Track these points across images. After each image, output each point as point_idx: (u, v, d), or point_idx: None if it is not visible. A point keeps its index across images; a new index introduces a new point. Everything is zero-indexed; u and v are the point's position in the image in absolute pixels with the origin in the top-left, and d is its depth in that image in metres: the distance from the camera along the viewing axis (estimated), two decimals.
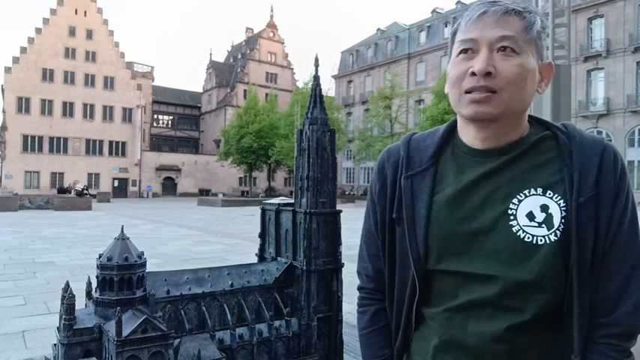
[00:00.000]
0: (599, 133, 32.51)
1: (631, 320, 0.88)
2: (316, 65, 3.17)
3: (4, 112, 42.09)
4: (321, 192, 2.92)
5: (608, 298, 0.89)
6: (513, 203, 0.91)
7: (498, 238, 0.90)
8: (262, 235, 3.33)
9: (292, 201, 3.11)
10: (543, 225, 0.88)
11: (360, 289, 1.17)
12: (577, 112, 30.71)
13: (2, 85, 42.34)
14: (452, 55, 0.99)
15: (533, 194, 0.90)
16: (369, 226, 1.13)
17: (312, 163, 2.91)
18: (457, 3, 43.26)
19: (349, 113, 50.41)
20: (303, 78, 75.24)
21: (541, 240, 0.87)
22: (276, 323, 2.79)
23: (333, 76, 53.28)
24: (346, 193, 44.21)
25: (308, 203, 2.88)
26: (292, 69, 59.77)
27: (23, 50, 42.66)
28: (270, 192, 44.01)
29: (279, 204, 3.19)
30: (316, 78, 3.09)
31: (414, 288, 1.00)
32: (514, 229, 0.89)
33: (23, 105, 42.52)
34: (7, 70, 42.03)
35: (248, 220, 18.54)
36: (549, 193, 0.90)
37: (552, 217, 0.88)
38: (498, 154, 0.96)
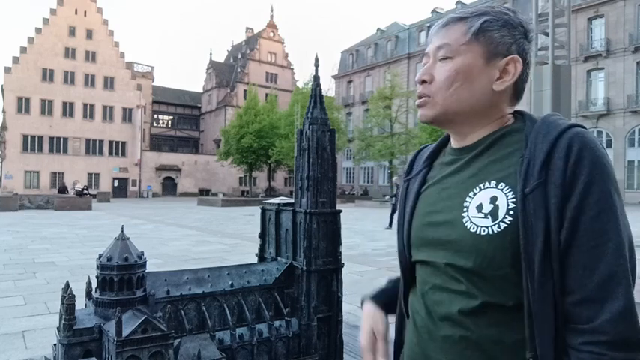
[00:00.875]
0: (599, 133, 32.50)
1: (618, 327, 0.78)
2: (316, 65, 3.17)
3: (4, 112, 42.10)
4: (321, 192, 2.92)
5: (585, 301, 0.80)
6: (469, 197, 0.95)
7: (451, 230, 0.95)
8: (262, 235, 3.33)
9: (292, 201, 3.11)
10: (489, 216, 0.89)
11: None
12: (577, 112, 30.71)
13: (2, 85, 42.35)
14: None
15: (487, 187, 0.92)
16: None
17: (312, 163, 2.91)
18: (457, 3, 43.26)
19: (349, 113, 50.42)
20: (303, 78, 75.26)
21: (484, 230, 0.88)
22: (276, 323, 2.79)
23: (333, 76, 53.30)
24: (346, 193, 44.22)
25: (308, 203, 2.88)
26: (292, 69, 59.81)
27: (23, 50, 42.68)
28: (270, 192, 44.02)
29: (279, 204, 3.19)
30: (316, 78, 3.09)
31: (402, 279, 1.12)
32: (464, 221, 0.93)
33: (23, 105, 42.55)
34: (7, 70, 42.05)
35: (248, 220, 18.54)
36: (501, 185, 0.90)
37: (498, 208, 0.88)
38: (467, 150, 1.03)
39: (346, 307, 3.67)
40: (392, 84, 36.95)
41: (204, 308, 2.63)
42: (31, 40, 43.04)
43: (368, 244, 11.35)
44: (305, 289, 2.84)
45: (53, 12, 44.13)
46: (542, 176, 0.84)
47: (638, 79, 30.81)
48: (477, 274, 0.89)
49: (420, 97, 1.03)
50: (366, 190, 46.44)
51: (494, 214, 0.88)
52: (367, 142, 36.75)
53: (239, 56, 59.04)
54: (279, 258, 3.10)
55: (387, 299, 1.20)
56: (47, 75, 43.44)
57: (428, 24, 44.07)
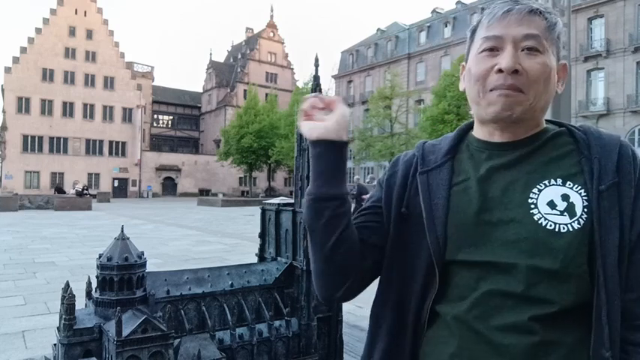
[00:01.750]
0: None
1: None
2: (316, 65, 3.17)
3: (4, 112, 42.10)
4: None
5: None
6: (533, 193, 0.90)
7: (520, 227, 0.87)
8: (262, 235, 3.33)
9: (292, 201, 3.11)
10: (565, 213, 0.86)
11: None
12: (577, 112, 30.71)
13: (2, 85, 42.35)
14: (472, 52, 0.99)
15: (553, 184, 0.90)
16: (372, 200, 1.10)
17: None
18: (457, 3, 43.27)
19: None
20: (303, 78, 75.16)
21: (564, 228, 0.85)
22: (276, 323, 2.79)
23: (333, 76, 53.27)
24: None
25: None
26: (292, 69, 59.81)
27: (23, 50, 42.68)
28: (270, 192, 44.01)
29: (279, 204, 3.19)
30: (316, 78, 3.09)
31: (431, 282, 0.95)
32: (535, 217, 0.87)
33: (23, 105, 42.55)
34: (7, 70, 42.06)
35: (248, 220, 18.54)
36: (569, 184, 0.89)
37: (574, 205, 0.87)
38: (515, 147, 0.96)
39: (346, 307, 3.67)
40: (392, 84, 36.93)
41: (204, 308, 2.63)
42: (31, 40, 43.03)
43: None
44: (305, 289, 2.84)
45: (53, 12, 44.12)
46: (616, 176, 0.87)
47: (638, 79, 30.81)
48: (559, 274, 0.84)
49: (509, 88, 0.90)
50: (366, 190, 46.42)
51: (570, 210, 0.86)
52: (367, 142, 36.72)
53: (239, 56, 59.03)
54: (279, 258, 3.10)
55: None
56: (47, 75, 43.43)
57: (428, 24, 44.05)
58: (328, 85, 50.32)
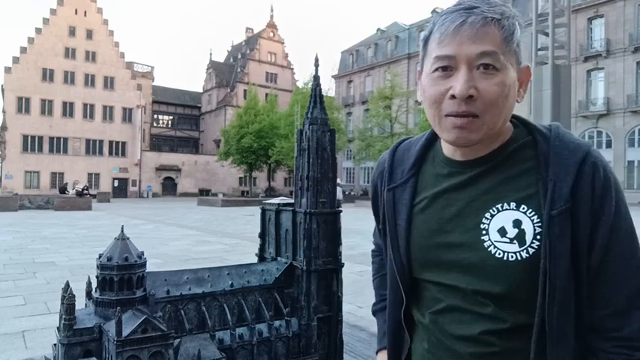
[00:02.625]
0: (599, 133, 32.50)
1: None
2: (316, 65, 3.17)
3: (4, 112, 42.09)
4: (321, 192, 2.92)
5: (616, 313, 0.85)
6: (486, 218, 0.90)
7: (471, 253, 0.90)
8: (262, 235, 3.33)
9: (292, 201, 3.11)
10: (515, 241, 0.86)
11: (373, 243, 1.36)
12: (577, 112, 30.71)
13: (2, 85, 42.34)
14: (425, 66, 0.93)
15: (506, 209, 0.88)
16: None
17: (312, 163, 2.90)
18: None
19: (349, 113, 50.40)
20: (303, 78, 75.23)
21: (512, 257, 0.86)
22: (276, 323, 2.79)
23: (333, 76, 53.29)
24: (346, 193, 44.18)
25: (308, 203, 2.88)
26: (292, 69, 59.78)
27: (23, 50, 42.66)
28: (270, 192, 44.00)
29: (279, 204, 3.18)
30: (316, 78, 3.09)
31: (400, 294, 1.05)
32: (485, 244, 0.88)
33: (23, 105, 42.53)
34: (7, 70, 42.04)
35: (248, 220, 18.53)
36: (523, 208, 0.87)
37: (525, 233, 0.86)
38: (475, 164, 0.94)
39: (346, 307, 3.67)
40: (392, 84, 36.94)
41: (204, 308, 2.63)
42: (31, 40, 43.01)
43: (368, 244, 11.29)
44: (305, 289, 2.84)
45: (53, 12, 44.11)
46: (569, 201, 0.83)
47: (638, 79, 30.81)
48: (506, 298, 0.87)
49: (464, 115, 0.85)
50: (366, 190, 46.42)
51: (520, 239, 0.86)
52: (367, 142, 36.74)
53: (239, 56, 59.01)
54: (279, 258, 3.10)
55: None
56: (47, 75, 43.41)
57: (428, 24, 44.04)
58: (328, 85, 50.35)
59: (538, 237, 0.85)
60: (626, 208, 0.86)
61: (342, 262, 3.01)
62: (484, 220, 0.90)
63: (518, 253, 0.85)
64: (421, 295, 1.02)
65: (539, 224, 0.85)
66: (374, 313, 1.27)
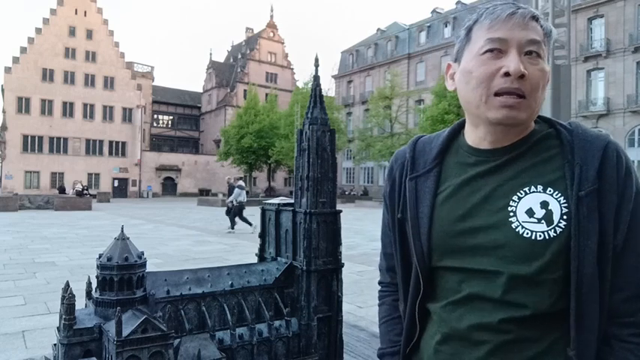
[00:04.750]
0: None
1: None
2: (316, 65, 3.17)
3: (4, 112, 42.09)
4: (321, 192, 2.92)
5: (633, 297, 0.88)
6: (513, 200, 0.92)
7: (498, 235, 0.91)
8: (262, 235, 3.32)
9: (292, 201, 3.11)
10: (543, 221, 0.89)
11: (379, 283, 1.26)
12: (577, 112, 30.70)
13: (2, 85, 42.34)
14: (470, 51, 0.97)
15: (534, 191, 0.91)
16: (383, 226, 1.19)
17: (312, 163, 2.90)
18: (457, 3, 43.26)
19: (349, 113, 50.40)
20: (303, 78, 75.26)
21: (540, 236, 0.88)
22: (276, 323, 2.79)
23: (333, 76, 53.27)
24: (346, 193, 44.18)
25: (308, 203, 2.88)
26: (292, 69, 59.79)
27: (23, 50, 42.66)
28: (270, 192, 44.00)
29: (279, 204, 3.18)
30: (316, 78, 3.09)
31: (417, 284, 1.04)
32: (513, 226, 0.90)
33: (23, 105, 42.53)
34: (7, 70, 42.04)
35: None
36: (550, 190, 0.91)
37: (552, 213, 0.89)
38: (501, 152, 0.98)
39: (346, 307, 3.67)
40: (392, 84, 36.94)
41: (204, 308, 2.63)
42: (31, 40, 43.01)
43: (368, 244, 11.35)
44: (305, 289, 2.84)
45: (53, 12, 44.11)
46: (596, 182, 0.87)
47: (638, 79, 30.80)
48: (533, 281, 0.88)
49: (513, 93, 0.90)
50: (366, 190, 46.42)
51: (548, 218, 0.89)
52: (367, 142, 36.74)
53: (239, 56, 59.02)
54: (279, 258, 3.10)
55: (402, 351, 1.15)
56: (47, 75, 43.41)
57: (428, 24, 44.03)
58: (328, 85, 50.35)
59: (565, 217, 0.88)
60: None
61: (342, 262, 3.01)
62: (511, 203, 0.92)
63: (546, 232, 0.88)
64: (439, 286, 1.02)
65: (566, 205, 0.88)
66: (382, 356, 1.20)
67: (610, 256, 0.87)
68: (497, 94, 0.92)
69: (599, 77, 32.77)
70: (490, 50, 0.92)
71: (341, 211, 3.01)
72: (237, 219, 14.20)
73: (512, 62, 0.89)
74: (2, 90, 42.42)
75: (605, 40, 31.87)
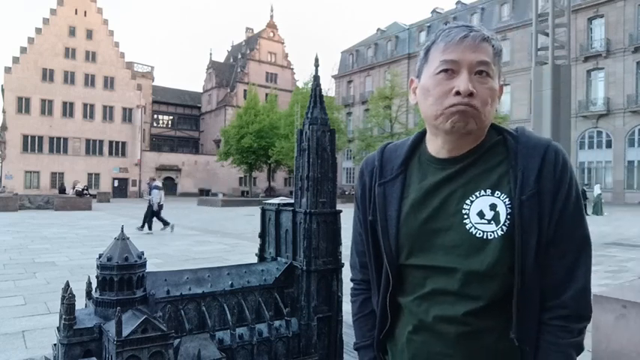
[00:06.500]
0: (599, 133, 32.48)
1: (577, 303, 1.00)
2: (316, 65, 3.17)
3: (4, 112, 42.09)
4: (321, 192, 2.92)
5: (555, 283, 1.00)
6: (466, 204, 1.03)
7: (455, 235, 1.03)
8: (262, 235, 3.32)
9: (292, 201, 3.11)
10: (492, 222, 1.00)
11: (351, 280, 1.36)
12: (577, 112, 30.70)
13: (2, 85, 42.33)
14: (427, 70, 1.08)
15: (483, 195, 1.03)
16: (356, 225, 1.29)
17: (312, 163, 2.90)
18: (457, 3, 43.27)
19: (349, 113, 50.40)
20: (303, 78, 75.23)
21: (490, 235, 1.00)
22: (276, 323, 2.79)
23: (333, 76, 53.30)
24: (346, 193, 44.16)
25: (308, 203, 2.88)
26: (292, 69, 59.79)
27: (23, 50, 42.66)
28: (270, 192, 44.00)
29: (279, 204, 3.18)
30: (316, 78, 3.09)
31: (388, 280, 1.15)
32: (467, 227, 1.02)
33: (23, 105, 42.53)
34: (7, 70, 42.04)
35: (248, 220, 18.53)
36: (497, 193, 1.02)
37: (499, 214, 1.00)
38: (456, 161, 1.08)
39: (346, 307, 3.65)
40: (392, 84, 36.94)
41: (204, 308, 2.63)
42: (31, 40, 43.01)
43: None
44: (305, 289, 2.84)
45: (53, 12, 44.10)
46: (535, 186, 0.99)
47: (638, 79, 30.80)
48: (487, 275, 0.99)
49: (467, 105, 1.00)
50: None
51: (496, 219, 1.00)
52: (367, 142, 36.73)
53: (239, 56, 59.01)
54: (279, 258, 3.10)
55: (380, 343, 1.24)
56: (47, 75, 43.41)
57: (428, 24, 44.04)
58: (328, 85, 50.34)
59: (509, 217, 0.99)
60: (577, 187, 1.03)
61: (342, 262, 3.01)
62: (465, 206, 1.04)
63: (495, 232, 1.00)
64: (407, 282, 1.12)
65: (510, 206, 1.00)
66: (358, 349, 1.30)
67: (544, 248, 0.99)
68: (450, 107, 1.02)
69: (599, 77, 32.77)
70: (444, 70, 1.03)
71: (341, 211, 3.01)
72: (154, 219, 14.33)
73: (462, 82, 1.00)
74: (2, 90, 42.41)
75: (605, 40, 31.87)
